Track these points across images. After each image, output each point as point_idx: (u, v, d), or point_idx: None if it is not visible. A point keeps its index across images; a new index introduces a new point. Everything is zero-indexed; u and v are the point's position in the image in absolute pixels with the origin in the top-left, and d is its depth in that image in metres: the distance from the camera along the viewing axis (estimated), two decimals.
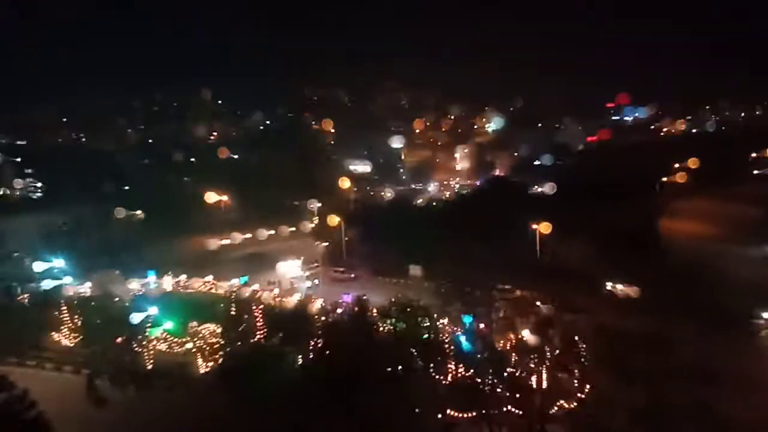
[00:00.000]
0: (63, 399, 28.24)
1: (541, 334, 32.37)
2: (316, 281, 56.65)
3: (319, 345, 36.54)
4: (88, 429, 24.49)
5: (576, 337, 32.72)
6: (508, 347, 33.20)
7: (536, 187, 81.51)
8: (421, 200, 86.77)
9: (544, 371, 31.29)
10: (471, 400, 29.90)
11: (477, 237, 52.36)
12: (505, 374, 31.13)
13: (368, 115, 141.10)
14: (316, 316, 40.51)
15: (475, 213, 59.85)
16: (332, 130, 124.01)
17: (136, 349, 37.96)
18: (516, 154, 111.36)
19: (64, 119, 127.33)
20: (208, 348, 38.05)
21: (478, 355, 32.04)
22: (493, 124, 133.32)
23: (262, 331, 38.95)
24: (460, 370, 32.80)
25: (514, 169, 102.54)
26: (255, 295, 43.53)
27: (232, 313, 39.69)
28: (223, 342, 38.27)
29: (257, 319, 39.14)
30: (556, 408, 30.62)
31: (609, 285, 48.18)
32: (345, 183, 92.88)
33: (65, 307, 40.63)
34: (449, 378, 32.94)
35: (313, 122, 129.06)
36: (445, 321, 36.46)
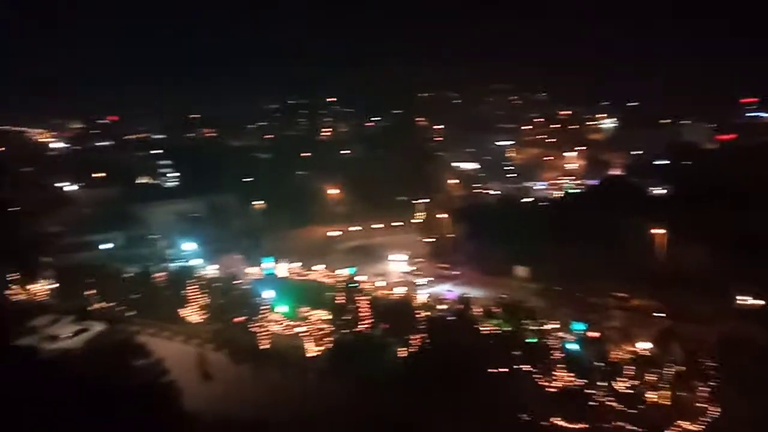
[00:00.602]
0: (189, 369, 30.60)
1: (660, 347, 29.62)
2: (423, 278, 56.66)
3: (422, 339, 36.45)
4: (207, 398, 26.26)
5: (699, 351, 29.58)
6: (622, 358, 30.78)
7: (656, 188, 75.05)
8: (528, 199, 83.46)
9: (662, 386, 28.62)
10: (579, 410, 28.10)
11: (589, 239, 49.23)
12: (618, 386, 28.89)
13: (477, 114, 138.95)
14: (420, 311, 40.45)
15: (587, 214, 56.27)
16: (441, 128, 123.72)
17: (253, 329, 40.24)
18: (633, 153, 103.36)
19: (196, 116, 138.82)
20: (317, 333, 39.43)
21: (589, 364, 29.99)
22: (608, 121, 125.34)
23: (367, 321, 39.64)
24: (568, 378, 30.97)
25: (630, 168, 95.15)
26: (362, 285, 44.38)
27: (340, 301, 40.81)
28: (331, 329, 39.48)
29: (363, 309, 39.88)
30: (675, 428, 27.88)
31: (739, 297, 43.07)
32: (452, 180, 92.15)
33: (194, 287, 44.06)
34: (556, 385, 31.24)
35: (422, 121, 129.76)
36: (553, 326, 34.67)
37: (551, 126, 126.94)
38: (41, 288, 48.51)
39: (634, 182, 77.75)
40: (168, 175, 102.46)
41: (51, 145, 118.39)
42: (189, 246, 59.40)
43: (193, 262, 53.98)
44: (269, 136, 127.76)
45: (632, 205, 57.87)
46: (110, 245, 64.09)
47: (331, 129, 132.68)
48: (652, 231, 52.07)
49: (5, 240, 50.99)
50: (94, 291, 46.41)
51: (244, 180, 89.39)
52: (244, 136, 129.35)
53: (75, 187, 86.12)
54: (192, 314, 43.47)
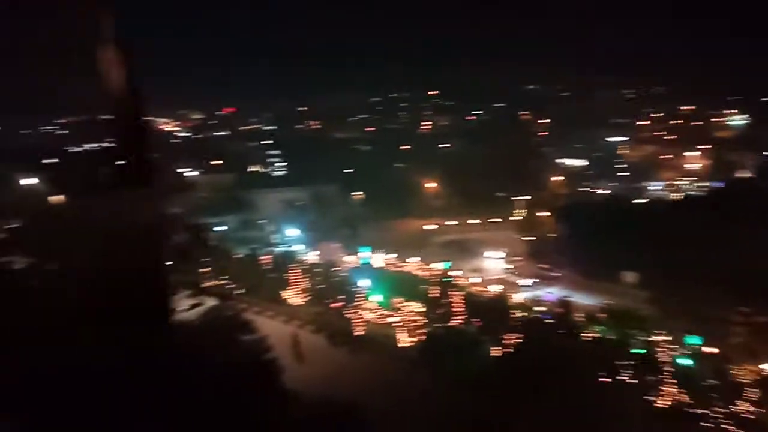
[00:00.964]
0: (285, 348, 31.98)
1: None
2: (520, 277, 55.04)
3: (516, 340, 35.37)
4: (306, 377, 27.33)
5: None
6: (744, 379, 27.74)
7: None
8: (641, 200, 77.75)
9: None
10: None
11: (710, 247, 44.81)
12: (738, 410, 26.08)
13: (586, 108, 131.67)
14: (516, 311, 39.31)
15: (710, 219, 51.27)
16: (546, 122, 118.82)
17: (349, 315, 41.37)
18: (766, 153, 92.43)
19: (304, 109, 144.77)
20: (409, 324, 39.68)
21: (704, 383, 27.35)
22: (738, 118, 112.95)
23: (460, 317, 39.21)
24: (678, 396, 28.51)
25: (762, 171, 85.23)
26: (457, 280, 43.97)
27: (434, 295, 40.72)
28: (423, 321, 39.56)
29: (456, 304, 39.49)
30: None
31: None
32: (556, 177, 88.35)
33: (296, 271, 46.14)
34: (664, 402, 28.89)
35: (527, 115, 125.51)
36: (664, 338, 32.05)
37: (671, 122, 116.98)
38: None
39: (765, 186, 69.68)
40: (276, 164, 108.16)
41: (175, 134, 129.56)
42: (292, 232, 62.36)
43: (295, 248, 56.60)
44: (371, 128, 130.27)
45: (761, 212, 51.88)
46: (224, 228, 69.02)
47: (431, 122, 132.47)
48: None
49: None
50: (208, 269, 50.10)
51: (346, 171, 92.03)
52: (347, 128, 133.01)
53: (195, 173, 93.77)
54: (293, 296, 45.52)
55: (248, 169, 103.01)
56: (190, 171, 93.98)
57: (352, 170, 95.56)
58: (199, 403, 15.42)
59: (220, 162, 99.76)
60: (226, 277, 49.06)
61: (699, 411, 27.18)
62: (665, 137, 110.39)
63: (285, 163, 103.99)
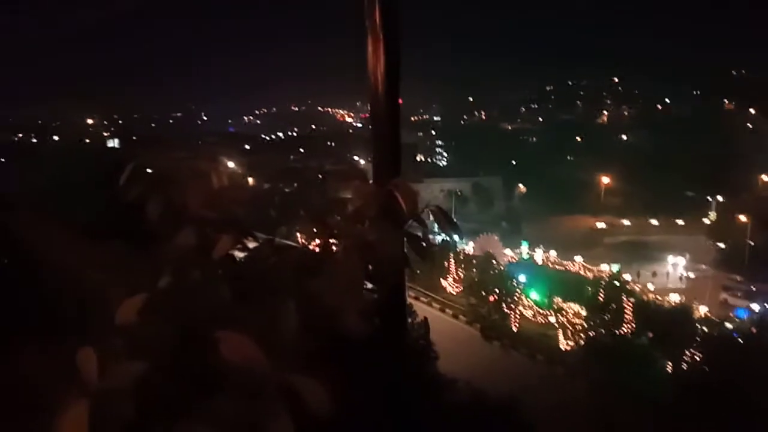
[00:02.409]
0: (441, 335, 32.48)
1: None
2: (708, 287, 48.57)
3: (698, 358, 31.33)
4: (457, 366, 27.48)
5: None
6: None
7: None
8: None
9: None
10: None
11: None
12: None
13: None
14: (700, 325, 34.76)
15: None
16: (755, 113, 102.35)
17: (505, 310, 40.48)
18: None
19: (471, 99, 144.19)
20: (570, 327, 37.48)
21: None
22: None
23: (630, 325, 35.89)
24: None
25: None
26: (626, 285, 40.26)
27: (600, 298, 37.80)
28: (586, 325, 37.04)
29: (626, 311, 36.20)
30: None
31: None
32: (762, 177, 75.83)
33: (453, 261, 46.41)
34: None
35: (730, 104, 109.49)
36: None
37: None
38: None
39: None
40: (441, 154, 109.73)
41: (352, 124, 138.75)
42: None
43: (455, 238, 56.91)
44: (541, 119, 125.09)
45: None
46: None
47: (611, 112, 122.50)
48: None
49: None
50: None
51: (512, 163, 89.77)
52: (517, 119, 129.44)
53: (363, 161, 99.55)
54: (449, 286, 45.96)
55: (415, 159, 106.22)
56: (360, 158, 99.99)
57: (518, 162, 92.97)
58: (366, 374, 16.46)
59: None
60: None
61: None
62: None
63: (449, 154, 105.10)
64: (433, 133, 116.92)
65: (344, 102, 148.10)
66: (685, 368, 31.49)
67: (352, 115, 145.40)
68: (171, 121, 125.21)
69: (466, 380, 19.80)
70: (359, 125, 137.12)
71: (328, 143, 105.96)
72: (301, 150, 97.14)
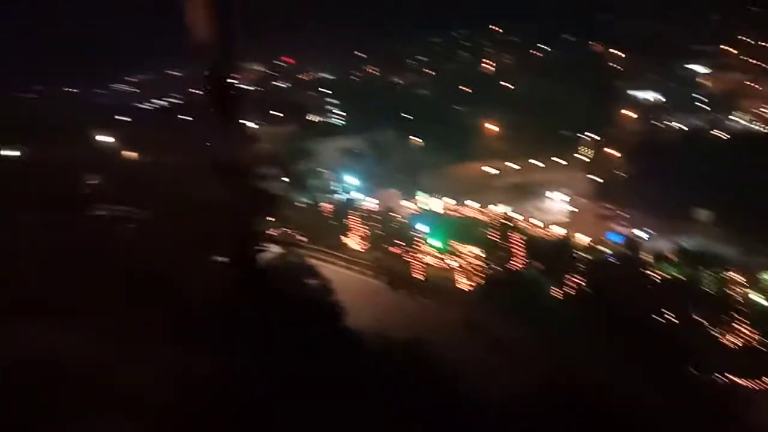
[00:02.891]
0: (349, 292, 33.08)
1: None
2: (586, 218, 53.25)
3: (582, 282, 34.74)
4: (367, 318, 28.29)
5: None
6: None
7: None
8: (722, 135, 72.04)
9: None
10: (762, 370, 24.68)
11: None
12: None
13: (663, 37, 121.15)
14: (581, 253, 38.35)
15: None
16: (620, 54, 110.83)
17: (408, 259, 41.92)
18: None
19: (362, 55, 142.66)
20: (469, 268, 39.75)
21: None
22: None
23: (521, 259, 38.78)
24: (751, 335, 27.24)
25: None
26: (516, 223, 43.21)
27: (494, 238, 40.34)
28: (484, 265, 39.47)
29: (517, 247, 39.00)
30: None
31: None
32: (629, 113, 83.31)
33: (355, 218, 46.90)
34: (735, 342, 27.73)
35: (598, 47, 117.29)
36: (739, 277, 30.39)
37: (762, 44, 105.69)
38: None
39: None
40: (335, 113, 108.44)
41: (238, 87, 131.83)
42: (351, 180, 63.09)
43: (354, 195, 57.38)
44: (429, 71, 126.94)
45: None
46: (286, 177, 70.71)
47: (494, 61, 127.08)
48: None
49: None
50: (273, 217, 51.92)
51: (403, 116, 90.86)
52: (405, 72, 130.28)
53: (257, 126, 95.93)
54: (353, 243, 46.54)
55: (308, 119, 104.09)
56: (254, 123, 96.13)
57: (410, 116, 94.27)
58: (275, 337, 16.36)
59: (281, 113, 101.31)
60: (289, 225, 50.79)
61: None
62: (753, 64, 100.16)
63: (343, 112, 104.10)
64: (326, 91, 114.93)
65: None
66: (568, 290, 34.71)
67: (240, 76, 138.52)
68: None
69: (374, 330, 20.52)
70: (250, 87, 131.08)
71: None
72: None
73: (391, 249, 42.84)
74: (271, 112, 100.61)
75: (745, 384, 24.14)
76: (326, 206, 52.40)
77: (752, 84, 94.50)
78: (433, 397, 15.43)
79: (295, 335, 17.76)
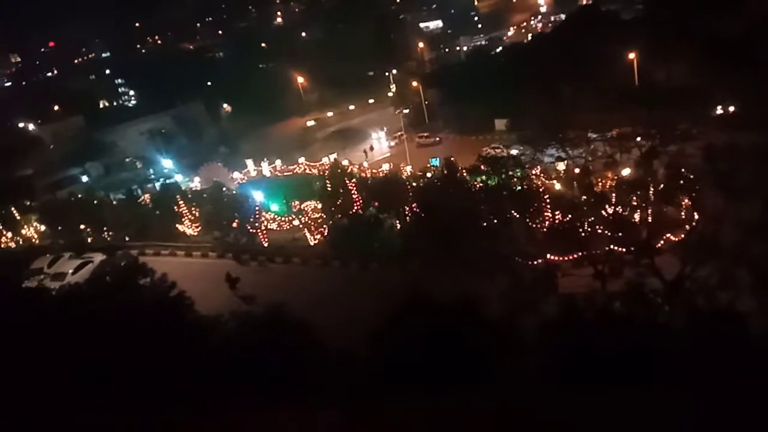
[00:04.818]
0: (196, 279, 31.43)
1: (644, 169, 30.03)
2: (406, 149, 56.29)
3: (414, 209, 37.05)
4: (221, 302, 27.33)
5: (682, 168, 30.05)
6: (608, 187, 31.41)
7: (629, 12, 72.16)
8: (500, 48, 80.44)
9: (647, 206, 29.47)
10: (571, 243, 29.25)
11: (565, 75, 48.08)
12: (606, 214, 29.77)
13: None
14: (408, 182, 40.64)
15: (559, 52, 54.48)
16: None
17: (251, 231, 40.76)
18: None
19: (138, 25, 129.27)
20: (312, 223, 40.00)
21: (576, 200, 30.67)
22: None
23: (358, 203, 39.99)
24: (557, 217, 31.96)
25: None
26: (346, 169, 44.17)
27: (328, 189, 40.84)
28: (325, 216, 39.97)
29: (352, 192, 40.06)
30: (663, 241, 29.23)
31: (720, 109, 43.34)
32: (419, 44, 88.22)
33: (182, 201, 43.83)
34: (547, 225, 32.33)
35: None
36: (538, 170, 35.04)
37: None
38: (32, 232, 48.38)
39: (605, 9, 74.43)
40: (128, 93, 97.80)
41: None
42: (167, 163, 58.30)
43: (176, 178, 53.34)
44: (221, 32, 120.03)
45: (605, 33, 55.78)
46: (88, 177, 62.93)
47: (282, 12, 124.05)
48: (628, 55, 50.77)
49: None
50: (86, 224, 46.31)
51: (206, 84, 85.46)
52: (196, 36, 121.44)
53: (33, 126, 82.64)
54: (187, 228, 43.74)
55: (98, 106, 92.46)
56: (29, 123, 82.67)
57: (213, 82, 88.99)
58: (108, 358, 14.93)
59: (60, 107, 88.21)
60: (108, 227, 45.87)
61: (576, 224, 30.67)
62: None
63: (136, 91, 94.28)
64: (109, 72, 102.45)
65: None
66: (406, 220, 37.02)
67: None
68: None
69: (230, 311, 19.85)
70: (9, 84, 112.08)
71: None
72: None
73: (230, 224, 41.15)
74: (48, 107, 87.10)
75: (557, 260, 28.48)
76: (145, 197, 48.09)
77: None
78: (303, 353, 15.71)
79: (146, 335, 16.58)
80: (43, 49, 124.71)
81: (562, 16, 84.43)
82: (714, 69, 42.39)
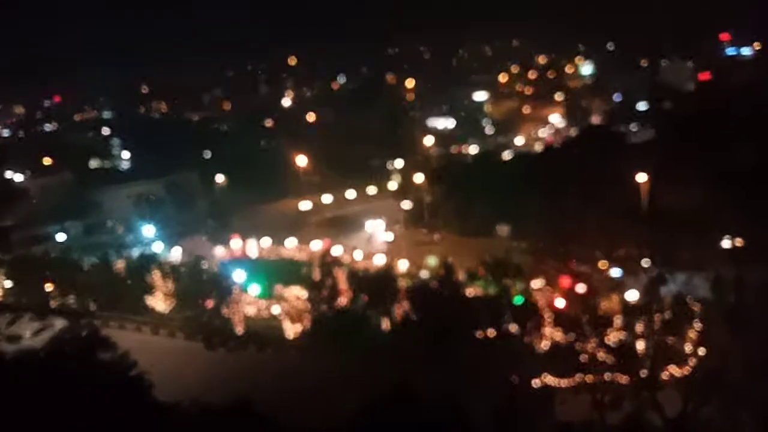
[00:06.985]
0: (160, 361, 30.28)
1: (650, 295, 30.22)
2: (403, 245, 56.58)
3: (405, 308, 36.63)
4: (182, 387, 26.17)
5: (688, 297, 30.27)
6: (612, 310, 31.38)
7: (638, 134, 76.09)
8: (507, 155, 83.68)
9: (652, 335, 29.31)
10: (570, 366, 28.69)
11: (572, 192, 49.53)
12: (608, 339, 29.51)
13: (450, 69, 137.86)
14: (401, 279, 40.47)
15: (568, 166, 56.62)
16: (413, 86, 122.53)
17: (226, 313, 39.91)
18: (615, 97, 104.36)
19: (148, 90, 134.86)
20: (294, 311, 39.29)
21: (579, 320, 30.49)
22: (586, 68, 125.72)
23: (346, 295, 39.57)
24: (557, 335, 31.56)
25: (611, 115, 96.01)
26: (338, 258, 44.15)
27: (316, 276, 40.57)
28: (309, 305, 39.33)
29: (341, 283, 39.77)
30: (666, 374, 28.73)
31: (727, 240, 44.34)
32: (427, 140, 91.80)
33: (158, 273, 43.29)
34: (546, 343, 31.84)
35: (394, 79, 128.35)
36: (540, 283, 35.13)
37: (529, 74, 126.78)
38: None
39: (615, 130, 78.49)
40: (122, 155, 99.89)
41: None
42: (149, 230, 58.26)
43: (155, 248, 53.01)
44: (227, 105, 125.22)
45: (614, 154, 58.34)
46: (66, 236, 62.60)
47: (294, 94, 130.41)
48: (636, 178, 52.65)
49: None
50: (53, 286, 45.45)
51: (205, 155, 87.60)
52: (201, 107, 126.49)
53: (22, 177, 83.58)
54: (158, 302, 42.84)
55: (89, 165, 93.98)
56: (17, 175, 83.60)
57: (212, 154, 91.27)
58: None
59: (52, 161, 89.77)
60: (76, 292, 44.94)
61: (576, 346, 30.23)
62: (525, 92, 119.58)
63: (132, 154, 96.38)
64: (108, 131, 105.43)
65: None
66: (396, 320, 36.41)
67: None
68: None
69: (192, 397, 19.19)
70: (10, 133, 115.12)
71: None
72: None
73: (204, 304, 40.37)
74: (39, 160, 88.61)
75: (556, 383, 27.80)
76: (119, 265, 47.51)
77: (526, 108, 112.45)
78: None
79: (98, 414, 15.85)
80: (47, 104, 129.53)
81: (572, 132, 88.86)
82: (724, 199, 43.83)
